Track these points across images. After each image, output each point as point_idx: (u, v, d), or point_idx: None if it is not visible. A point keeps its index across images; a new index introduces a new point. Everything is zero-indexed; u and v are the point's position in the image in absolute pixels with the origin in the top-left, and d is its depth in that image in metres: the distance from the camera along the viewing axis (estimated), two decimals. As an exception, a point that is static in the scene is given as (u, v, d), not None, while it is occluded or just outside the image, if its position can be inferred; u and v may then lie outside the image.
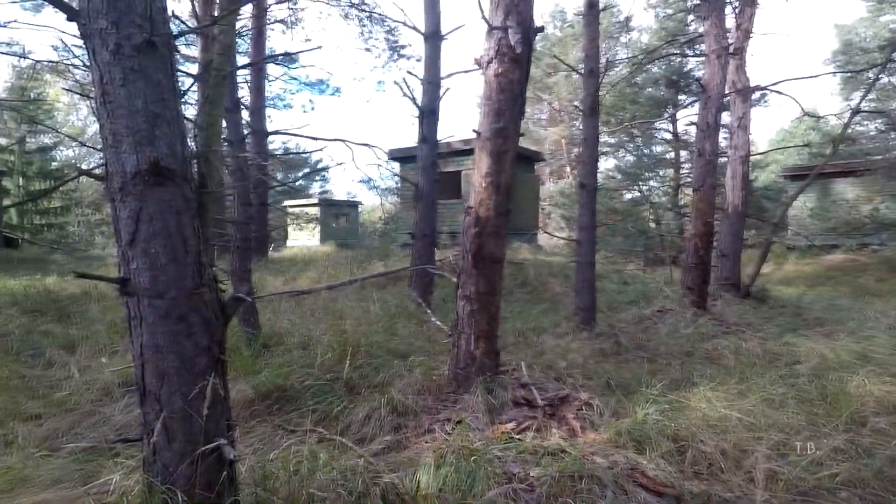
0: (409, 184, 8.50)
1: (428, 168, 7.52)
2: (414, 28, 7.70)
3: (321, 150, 10.78)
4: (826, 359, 4.59)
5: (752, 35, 9.82)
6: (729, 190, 9.62)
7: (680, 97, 20.85)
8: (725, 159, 10.09)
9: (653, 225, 17.61)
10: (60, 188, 21.47)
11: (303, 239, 20.35)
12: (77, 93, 9.42)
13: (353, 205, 23.87)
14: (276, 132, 11.48)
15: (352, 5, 14.77)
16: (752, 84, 9.86)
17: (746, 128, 9.69)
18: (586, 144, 6.36)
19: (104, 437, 3.15)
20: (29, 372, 4.42)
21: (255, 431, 3.29)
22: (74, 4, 1.77)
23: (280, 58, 14.09)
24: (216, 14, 4.39)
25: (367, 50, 16.10)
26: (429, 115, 7.52)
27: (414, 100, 7.34)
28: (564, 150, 31.25)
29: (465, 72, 7.87)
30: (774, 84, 9.83)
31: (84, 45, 1.69)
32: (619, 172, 21.26)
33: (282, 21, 16.06)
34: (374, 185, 22.53)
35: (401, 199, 15.33)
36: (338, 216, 21.88)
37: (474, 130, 3.70)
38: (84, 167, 26.93)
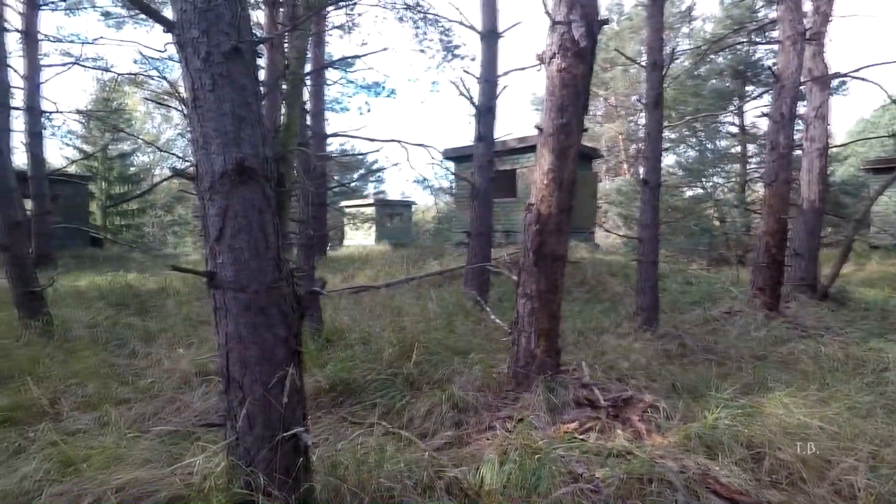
0: (466, 182, 8.51)
1: (484, 166, 7.51)
2: (471, 27, 7.71)
3: (377, 151, 10.99)
4: (920, 366, 4.23)
5: (831, 18, 9.16)
6: (804, 185, 9.02)
7: (747, 88, 19.72)
8: (800, 152, 9.46)
9: (717, 223, 16.80)
10: (138, 191, 23.05)
11: (358, 238, 20.87)
12: (155, 101, 10.12)
13: (407, 205, 24.22)
14: (334, 134, 11.82)
15: (407, 7, 14.96)
16: (832, 71, 9.19)
17: (824, 118, 9.04)
18: (649, 139, 6.15)
19: (187, 421, 3.36)
20: (116, 360, 4.78)
21: (321, 422, 3.41)
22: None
23: (339, 62, 14.47)
24: (280, 23, 4.58)
25: (422, 51, 16.21)
26: (485, 114, 7.51)
27: (471, 98, 7.36)
28: (621, 147, 30.36)
29: (522, 69, 7.83)
30: (856, 70, 9.08)
31: (178, 55, 1.81)
32: (681, 168, 20.38)
33: (339, 27, 16.52)
34: (429, 185, 22.79)
35: (455, 199, 15.40)
36: (392, 216, 22.28)
37: (536, 126, 3.67)
38: (161, 171, 28.73)
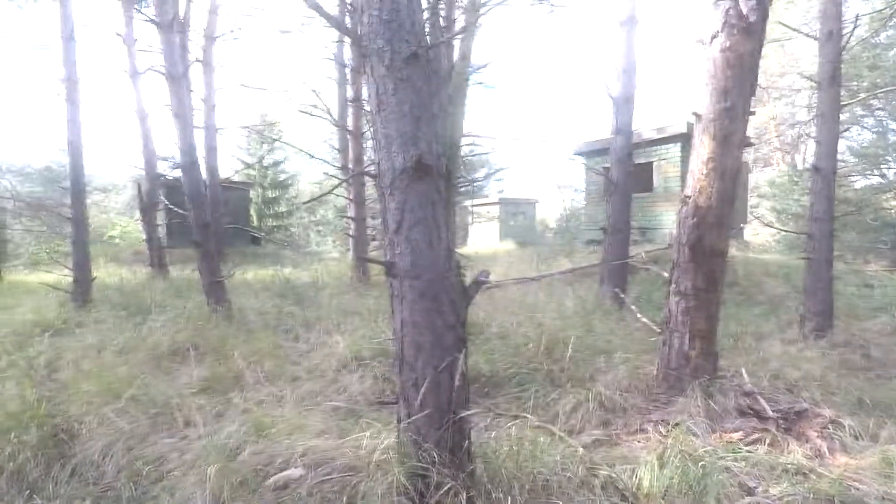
0: (602, 177, 8.17)
1: (623, 160, 7.16)
2: (608, 16, 7.40)
3: (505, 149, 11.00)
4: None
5: None
6: None
7: (945, 54, 16.37)
8: None
9: (901, 217, 14.21)
10: (286, 195, 25.76)
11: (482, 236, 21.18)
12: (304, 112, 11.26)
13: (531, 203, 23.99)
14: (464, 135, 12.10)
15: (531, 4, 14.80)
16: None
17: None
18: (823, 120, 5.39)
19: (351, 399, 3.70)
20: (284, 343, 5.40)
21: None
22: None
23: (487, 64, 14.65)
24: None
25: (550, 45, 15.96)
26: (623, 105, 7.16)
27: (608, 90, 7.08)
28: (773, 133, 27.00)
29: (663, 55, 7.34)
30: None
31: (363, 64, 2.00)
32: (852, 154, 17.55)
33: (463, 29, 16.87)
34: (556, 182, 22.41)
35: (586, 195, 14.89)
36: (516, 214, 22.23)
37: (694, 113, 3.43)
38: (301, 178, 31.69)
